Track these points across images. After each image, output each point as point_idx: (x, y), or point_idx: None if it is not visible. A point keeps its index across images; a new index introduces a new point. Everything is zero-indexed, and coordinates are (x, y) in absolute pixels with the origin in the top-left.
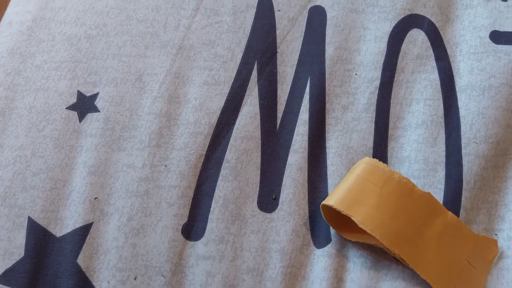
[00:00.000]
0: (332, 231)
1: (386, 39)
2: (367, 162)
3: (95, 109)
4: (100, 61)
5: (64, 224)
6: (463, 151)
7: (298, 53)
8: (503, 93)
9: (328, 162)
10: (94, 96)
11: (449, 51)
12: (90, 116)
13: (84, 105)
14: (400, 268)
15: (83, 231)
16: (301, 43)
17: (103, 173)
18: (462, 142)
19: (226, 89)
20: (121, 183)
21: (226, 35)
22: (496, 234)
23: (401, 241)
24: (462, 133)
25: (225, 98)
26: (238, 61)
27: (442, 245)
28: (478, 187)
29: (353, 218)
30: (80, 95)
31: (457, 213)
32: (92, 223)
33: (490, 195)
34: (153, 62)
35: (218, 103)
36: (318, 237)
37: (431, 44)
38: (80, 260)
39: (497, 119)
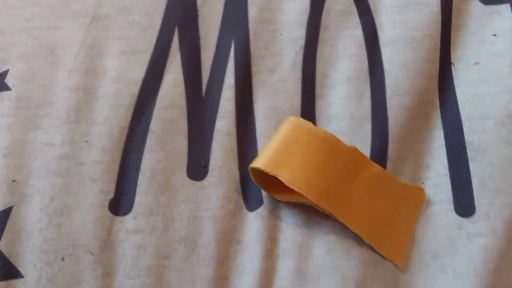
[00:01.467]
0: (264, 193)
1: None
2: (291, 121)
3: (6, 88)
4: (7, 36)
5: None
6: (388, 104)
7: (221, 16)
8: (425, 45)
9: (257, 125)
10: (4, 74)
11: (371, 6)
12: (0, 95)
13: None
14: (331, 223)
15: (3, 216)
16: (223, 5)
17: (19, 154)
18: (387, 95)
19: (146, 58)
20: (40, 163)
21: (143, 1)
22: (423, 183)
23: (328, 196)
24: (386, 87)
25: (146, 67)
26: (157, 27)
27: (369, 197)
28: (403, 138)
29: (280, 178)
30: None
31: (384, 165)
32: (12, 206)
33: (416, 145)
34: (65, 34)
35: (138, 73)
36: (250, 201)
37: (354, 0)
38: (2, 246)
39: (419, 70)
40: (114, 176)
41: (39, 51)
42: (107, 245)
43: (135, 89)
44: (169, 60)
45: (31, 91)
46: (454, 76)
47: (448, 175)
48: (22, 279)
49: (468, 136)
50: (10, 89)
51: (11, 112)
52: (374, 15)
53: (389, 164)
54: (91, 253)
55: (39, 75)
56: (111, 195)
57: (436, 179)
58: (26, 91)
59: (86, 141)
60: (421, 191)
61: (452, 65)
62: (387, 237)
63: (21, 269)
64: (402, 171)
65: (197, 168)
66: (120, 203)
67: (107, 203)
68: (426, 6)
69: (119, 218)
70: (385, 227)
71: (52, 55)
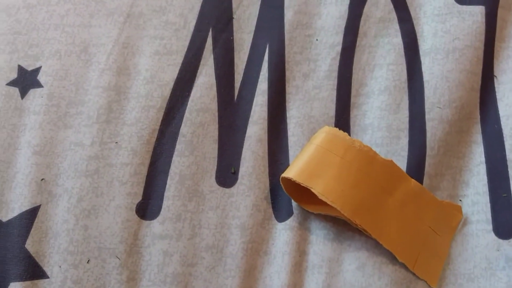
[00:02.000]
0: (294, 204)
1: (347, 2)
2: (326, 131)
3: (38, 85)
4: (41, 32)
5: (10, 208)
6: (426, 116)
7: (256, 18)
8: (467, 56)
9: (289, 132)
10: (36, 70)
11: (412, 13)
12: (33, 92)
13: (25, 81)
14: (363, 239)
15: (31, 215)
16: (258, 7)
17: (49, 153)
18: (425, 107)
19: (179, 59)
20: (69, 162)
21: (178, 1)
22: (460, 200)
23: (362, 211)
24: (425, 98)
25: (178, 68)
26: (191, 28)
27: (405, 213)
28: (442, 152)
29: (313, 190)
30: (21, 69)
31: (420, 180)
32: (39, 205)
33: (454, 160)
34: (99, 32)
35: (171, 74)
36: (280, 211)
37: (394, 6)
38: (29, 245)
39: (461, 82)
40: (142, 179)
41: (72, 49)
42: (133, 249)
43: (167, 91)
44: (202, 62)
45: (63, 88)
46: (496, 89)
47: (488, 193)
48: (47, 280)
49: (510, 154)
50: (42, 86)
51: (42, 110)
52: (415, 22)
53: (426, 180)
54: (117, 257)
55: (71, 73)
56: (139, 198)
57: (475, 197)
58: (58, 88)
59: (116, 142)
60: (458, 209)
61: (494, 78)
62: (421, 256)
63: (46, 269)
64: (439, 187)
65: (227, 174)
66: (147, 206)
67: (134, 206)
68: (470, 16)
69: (146, 222)
70: (420, 245)
71: (85, 53)
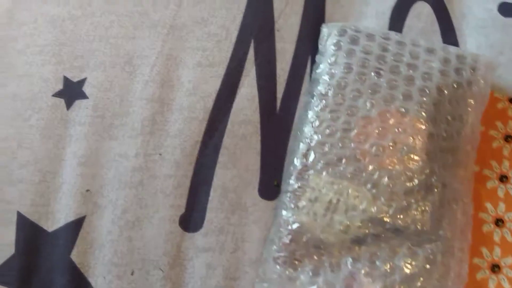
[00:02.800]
0: None
1: (389, 14)
2: None
3: (83, 96)
4: (86, 44)
5: (56, 218)
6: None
7: (298, 28)
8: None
9: None
10: (82, 81)
11: (455, 25)
12: (78, 103)
13: (71, 92)
14: None
15: (76, 225)
16: (300, 18)
17: (94, 164)
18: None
19: (221, 71)
20: (114, 173)
21: (220, 12)
22: None
23: None
24: None
25: (221, 80)
26: (234, 39)
27: None
28: None
29: None
30: (66, 80)
31: None
32: (85, 216)
33: None
34: (143, 44)
35: (213, 86)
36: None
37: (437, 18)
38: (74, 256)
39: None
40: (185, 191)
41: (117, 60)
42: (176, 261)
43: (209, 103)
44: (244, 74)
45: (108, 100)
46: None
47: None
48: None
49: None
50: (88, 97)
51: (87, 121)
52: (458, 34)
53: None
54: (161, 269)
55: (116, 84)
56: (182, 211)
57: None
58: (103, 100)
59: (160, 154)
60: None
61: None
62: None
63: (91, 280)
64: None
65: (270, 187)
66: (190, 219)
67: (177, 218)
68: None
69: (189, 234)
70: None
71: (129, 65)
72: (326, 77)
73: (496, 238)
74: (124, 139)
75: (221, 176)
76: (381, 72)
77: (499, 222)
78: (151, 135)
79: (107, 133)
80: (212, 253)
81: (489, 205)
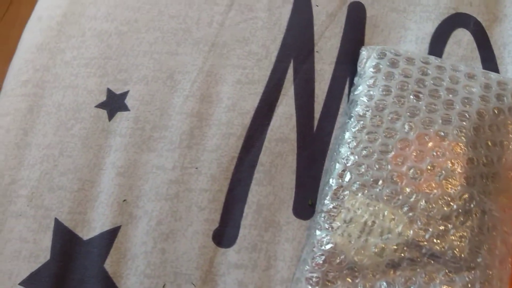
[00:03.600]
0: None
1: (428, 40)
2: None
3: (125, 108)
4: (130, 58)
5: (92, 227)
6: None
7: (337, 50)
8: None
9: None
10: (124, 94)
11: (496, 53)
12: (119, 115)
13: (113, 104)
14: None
15: (111, 235)
16: (339, 40)
17: (132, 175)
18: None
19: (260, 89)
20: (151, 185)
21: (261, 32)
22: None
23: None
24: None
25: (259, 97)
26: (273, 59)
27: None
28: None
29: None
30: (110, 93)
31: None
32: (120, 226)
33: None
34: (185, 60)
35: (251, 103)
36: None
37: (477, 45)
38: (107, 265)
39: None
40: (220, 206)
41: (159, 75)
42: (208, 276)
43: (247, 119)
44: (282, 92)
45: (149, 113)
46: None
47: None
48: None
49: None
50: (129, 110)
51: (128, 132)
52: (498, 62)
53: None
54: (193, 283)
55: (157, 98)
56: (216, 225)
57: None
58: (144, 112)
59: (196, 168)
60: None
61: None
62: None
63: None
64: None
65: (304, 206)
66: (224, 234)
67: (211, 233)
68: None
69: (222, 250)
70: None
71: (170, 80)
72: (364, 99)
73: None
74: (162, 152)
75: (256, 193)
76: (420, 95)
77: None
78: (188, 149)
79: (146, 145)
80: (244, 270)
81: None
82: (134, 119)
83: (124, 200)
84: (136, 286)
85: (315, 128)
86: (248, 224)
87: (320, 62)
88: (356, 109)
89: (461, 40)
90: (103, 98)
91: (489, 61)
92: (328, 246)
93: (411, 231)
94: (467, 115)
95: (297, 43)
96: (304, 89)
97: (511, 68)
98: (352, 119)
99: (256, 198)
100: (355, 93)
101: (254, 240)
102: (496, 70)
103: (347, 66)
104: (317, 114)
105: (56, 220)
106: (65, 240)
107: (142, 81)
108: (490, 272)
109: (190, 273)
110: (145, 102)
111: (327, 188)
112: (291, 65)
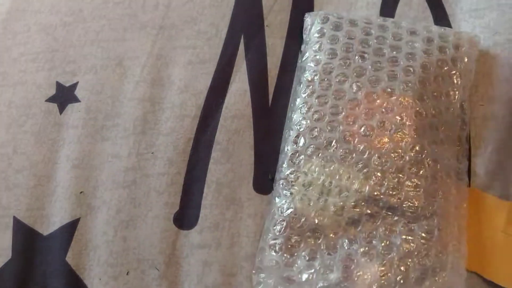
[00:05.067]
0: None
1: (379, 4)
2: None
3: (76, 99)
4: (77, 49)
5: (51, 222)
6: (470, 115)
7: (287, 24)
8: (510, 50)
9: None
10: (74, 85)
11: (448, 10)
12: (70, 107)
13: (63, 96)
14: None
15: (71, 228)
16: (289, 13)
17: (87, 166)
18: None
19: (212, 67)
20: (107, 174)
21: (209, 10)
22: None
23: None
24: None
25: (212, 76)
26: (223, 36)
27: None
28: (490, 150)
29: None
30: (59, 86)
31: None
32: (79, 218)
33: (505, 157)
34: (133, 45)
35: (204, 83)
36: None
37: (428, 5)
38: (69, 258)
39: (505, 77)
40: (179, 189)
41: (108, 63)
42: (172, 260)
43: (201, 99)
44: (235, 69)
45: (100, 102)
46: None
47: None
48: None
49: None
50: (80, 101)
51: (80, 124)
52: (451, 19)
53: (475, 179)
54: (156, 268)
55: (107, 87)
56: (176, 208)
57: None
58: (95, 102)
59: (152, 153)
60: None
61: None
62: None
63: (87, 282)
64: (491, 186)
65: (264, 181)
66: (185, 216)
67: (172, 216)
68: (510, 8)
69: (184, 232)
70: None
71: (120, 66)
72: (311, 64)
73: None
74: (116, 140)
75: (215, 171)
76: (365, 55)
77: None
78: (143, 135)
79: (100, 135)
80: (208, 250)
81: None
82: (86, 109)
83: (81, 192)
84: (99, 276)
85: (270, 102)
86: (209, 204)
87: (271, 37)
88: (305, 75)
89: (412, 1)
90: (52, 91)
91: (442, 19)
92: (289, 212)
93: (367, 187)
94: (411, 70)
95: (247, 19)
96: (257, 65)
97: (464, 24)
98: (301, 85)
99: (215, 177)
100: (303, 59)
101: (216, 219)
102: (449, 27)
103: (298, 38)
104: (271, 88)
105: (15, 218)
106: (25, 237)
107: (91, 70)
108: (448, 218)
109: (153, 258)
110: (95, 91)
111: (283, 156)
112: (242, 41)
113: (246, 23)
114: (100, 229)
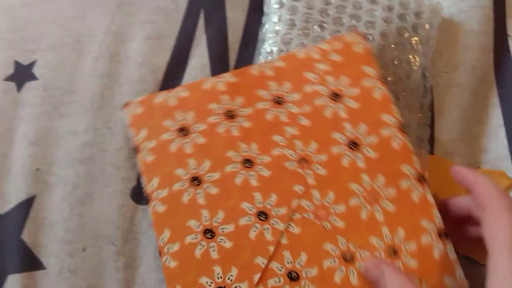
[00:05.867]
0: None
1: None
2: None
3: (33, 77)
4: (37, 28)
5: (7, 200)
6: (433, 82)
7: None
8: (474, 16)
9: None
10: (32, 64)
11: None
12: (28, 85)
13: (21, 75)
14: None
15: (26, 205)
16: None
17: (44, 143)
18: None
19: (171, 43)
20: (64, 151)
21: None
22: (479, 168)
23: None
24: (431, 64)
25: (171, 51)
26: (183, 11)
27: None
28: (454, 116)
29: None
30: (17, 64)
31: (432, 148)
32: (35, 195)
33: (470, 125)
34: (91, 23)
35: (163, 58)
36: None
37: None
38: (25, 236)
39: (469, 44)
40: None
41: (66, 41)
42: (129, 235)
43: (160, 75)
44: (194, 43)
45: (58, 79)
46: (511, 48)
47: (509, 157)
48: (44, 271)
49: None
50: (37, 79)
51: (38, 101)
52: None
53: (438, 147)
54: (113, 244)
55: (65, 64)
56: (134, 183)
57: (495, 163)
58: (53, 80)
59: (109, 128)
60: (503, 175)
61: (508, 37)
62: None
63: (43, 260)
64: (456, 153)
65: None
66: (143, 191)
67: (129, 191)
68: None
69: (142, 207)
70: None
71: (78, 44)
72: (271, 35)
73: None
74: (73, 116)
75: None
76: (325, 25)
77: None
78: (100, 110)
79: (57, 112)
80: None
81: None
82: (43, 87)
83: (38, 169)
84: (56, 254)
85: None
86: None
87: (232, 10)
88: (264, 46)
89: None
90: (11, 71)
91: None
92: None
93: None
94: (370, 38)
95: None
96: (217, 38)
97: None
98: (260, 57)
99: None
100: (263, 31)
101: None
102: None
103: (260, 12)
104: (232, 62)
105: None
106: None
107: (50, 49)
108: None
109: (110, 234)
110: (53, 69)
111: None
112: (202, 15)
113: None
114: (56, 206)
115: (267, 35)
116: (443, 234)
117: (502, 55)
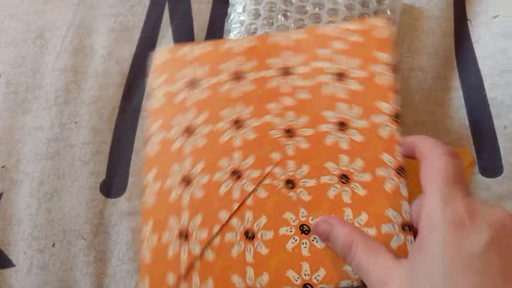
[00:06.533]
0: None
1: None
2: None
3: None
4: None
5: None
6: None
7: None
8: (435, 2)
9: None
10: None
11: None
12: None
13: None
14: None
15: None
16: None
17: (9, 140)
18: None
19: (136, 35)
20: (30, 147)
21: None
22: None
23: None
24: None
25: (136, 44)
26: (147, 3)
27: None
28: (417, 100)
29: None
30: None
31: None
32: (1, 193)
33: (433, 107)
34: (54, 17)
35: (128, 51)
36: None
37: None
38: None
39: (430, 29)
40: (105, 157)
41: (28, 36)
42: (99, 229)
43: (126, 67)
44: (160, 35)
45: (20, 75)
46: (471, 32)
47: (470, 136)
48: (13, 268)
49: (491, 93)
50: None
51: (0, 98)
52: None
53: (403, 129)
54: (83, 238)
55: (28, 59)
56: (103, 177)
57: (459, 142)
58: (15, 76)
59: (75, 122)
60: (465, 152)
61: (468, 21)
62: None
63: (12, 257)
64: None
65: None
66: (112, 184)
67: (98, 185)
68: None
69: (112, 200)
70: None
71: (40, 39)
72: (236, 26)
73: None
74: (38, 112)
75: (142, 138)
76: (288, 13)
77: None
78: (66, 105)
79: (21, 108)
80: (137, 217)
81: None
82: (6, 83)
83: (3, 167)
84: (25, 250)
85: None
86: (137, 171)
87: (196, 2)
88: (229, 37)
89: None
90: None
91: None
92: None
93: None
94: None
95: None
96: (183, 30)
97: None
98: None
99: (143, 144)
100: (228, 21)
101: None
102: None
103: (225, 3)
104: None
105: None
106: None
107: (11, 44)
108: None
109: (79, 229)
110: (15, 65)
111: None
112: (167, 7)
113: None
114: (24, 203)
115: (233, 26)
116: (406, 228)
117: (463, 39)
